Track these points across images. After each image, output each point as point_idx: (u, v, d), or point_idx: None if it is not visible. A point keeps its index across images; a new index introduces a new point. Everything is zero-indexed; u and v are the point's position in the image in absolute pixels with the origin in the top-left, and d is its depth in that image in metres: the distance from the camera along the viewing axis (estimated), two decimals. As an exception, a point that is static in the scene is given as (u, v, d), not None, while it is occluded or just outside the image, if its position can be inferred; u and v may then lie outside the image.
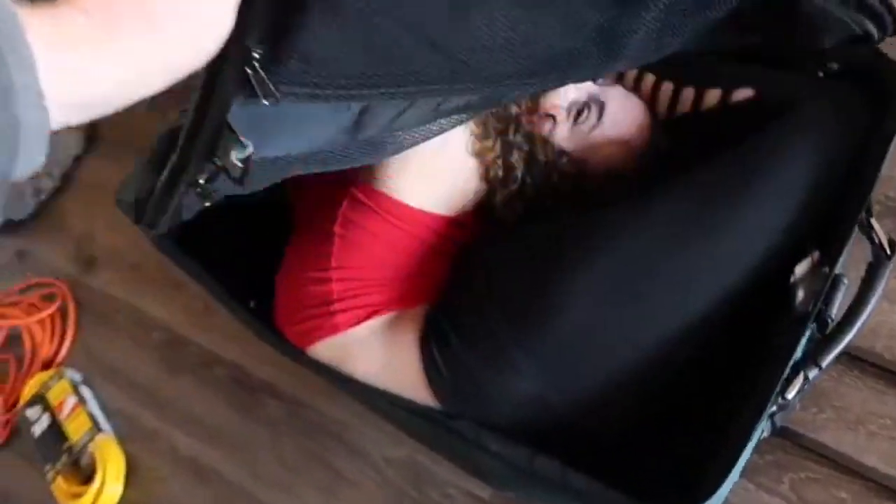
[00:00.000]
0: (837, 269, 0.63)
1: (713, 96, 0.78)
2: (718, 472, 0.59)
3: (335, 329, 0.76)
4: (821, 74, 0.75)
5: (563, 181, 0.79)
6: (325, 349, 0.77)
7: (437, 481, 0.99)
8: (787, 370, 0.61)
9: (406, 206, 0.76)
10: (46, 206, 1.56)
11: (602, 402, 0.70)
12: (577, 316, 0.67)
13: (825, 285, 0.62)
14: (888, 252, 0.65)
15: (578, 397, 0.69)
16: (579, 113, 0.79)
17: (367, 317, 0.76)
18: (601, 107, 0.79)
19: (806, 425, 0.83)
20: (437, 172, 0.77)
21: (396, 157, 0.68)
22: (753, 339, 0.67)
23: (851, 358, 0.85)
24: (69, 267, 1.46)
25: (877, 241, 0.65)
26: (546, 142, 0.78)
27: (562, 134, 0.79)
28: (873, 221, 0.66)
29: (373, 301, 0.77)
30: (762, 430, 0.64)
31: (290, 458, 1.10)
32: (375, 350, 0.75)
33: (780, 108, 0.72)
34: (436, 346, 0.72)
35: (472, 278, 0.75)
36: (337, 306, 0.76)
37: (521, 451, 0.69)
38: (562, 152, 0.79)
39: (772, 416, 0.66)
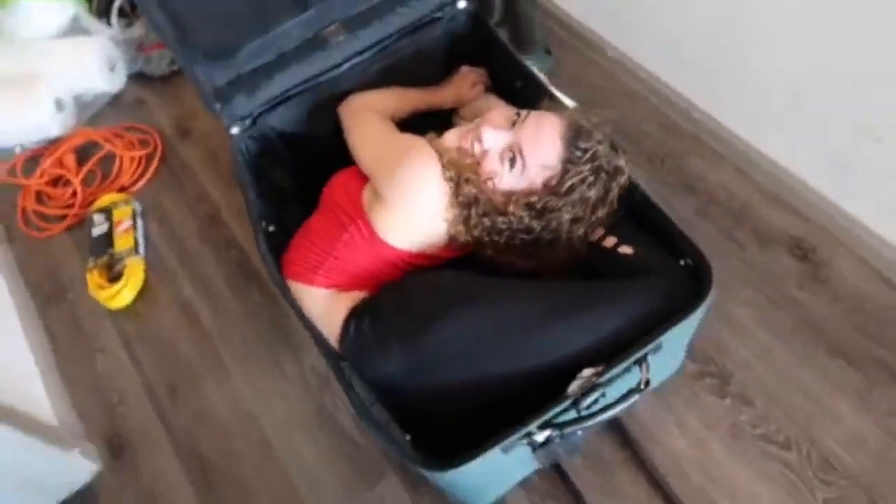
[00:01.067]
0: (603, 381, 0.98)
1: (610, 241, 1.12)
2: (475, 454, 0.95)
3: (311, 282, 1.13)
4: (682, 263, 1.09)
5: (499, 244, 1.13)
6: (296, 288, 1.14)
7: (335, 391, 1.38)
8: (541, 422, 0.96)
9: (392, 249, 1.11)
10: (175, 76, 1.98)
11: (441, 399, 1.05)
12: (445, 339, 1.01)
13: (589, 388, 0.97)
14: (643, 386, 0.99)
15: (426, 390, 1.05)
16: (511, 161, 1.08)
17: (331, 287, 1.13)
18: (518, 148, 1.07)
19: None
20: (418, 231, 1.12)
21: (393, 216, 1.08)
22: (543, 394, 1.02)
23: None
24: (170, 129, 1.89)
25: (643, 376, 1.00)
26: (496, 199, 1.10)
27: (504, 181, 1.09)
28: (650, 358, 1.00)
29: (340, 282, 1.13)
30: (515, 444, 0.98)
31: (251, 339, 1.49)
32: (322, 305, 1.12)
33: (639, 271, 1.06)
34: (354, 319, 1.08)
35: (400, 287, 1.10)
36: (320, 272, 1.12)
37: (368, 396, 1.06)
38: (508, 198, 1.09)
39: (532, 445, 1.00)
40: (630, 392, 1.01)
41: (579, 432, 1.02)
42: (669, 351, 1.12)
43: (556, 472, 1.24)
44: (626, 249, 1.12)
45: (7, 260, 1.72)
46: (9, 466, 1.24)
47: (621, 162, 1.09)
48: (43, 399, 1.43)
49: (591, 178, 1.07)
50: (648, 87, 1.67)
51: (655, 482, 1.21)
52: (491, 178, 1.09)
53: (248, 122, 1.29)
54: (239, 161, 1.31)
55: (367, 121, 1.24)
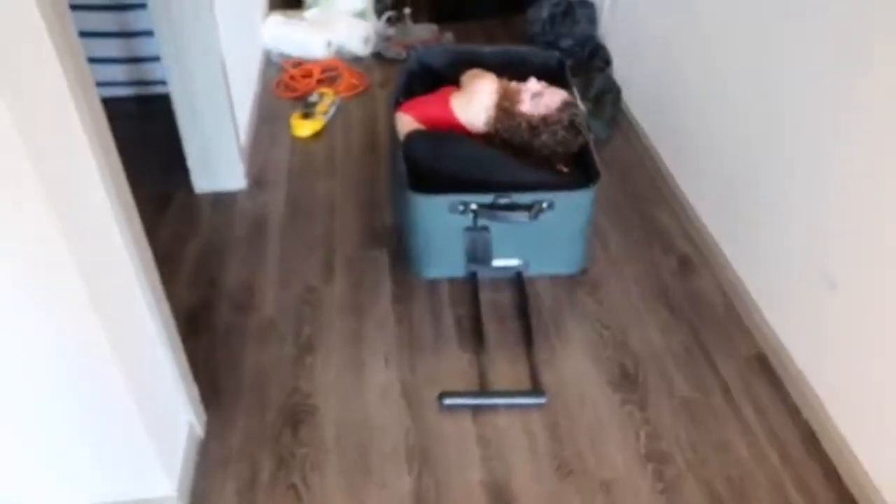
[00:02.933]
0: (513, 199, 1.83)
1: (562, 168, 2.00)
2: (436, 192, 1.83)
3: (405, 111, 2.13)
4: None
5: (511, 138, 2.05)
6: (398, 115, 2.14)
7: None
8: (474, 199, 1.83)
9: (452, 114, 2.08)
10: (396, 62, 3.17)
11: (437, 174, 1.93)
12: (450, 147, 1.94)
13: (505, 197, 1.83)
14: (534, 216, 1.83)
15: (434, 167, 1.94)
16: (533, 96, 2.04)
17: (412, 116, 2.11)
18: (541, 95, 2.03)
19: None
20: (471, 111, 2.08)
21: (464, 99, 2.06)
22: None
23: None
24: (376, 83, 3.06)
25: (535, 209, 1.83)
26: (516, 113, 2.03)
27: (525, 106, 2.05)
28: (545, 207, 1.84)
29: (416, 117, 2.11)
30: (458, 205, 1.84)
31: (356, 176, 2.48)
32: (405, 120, 2.10)
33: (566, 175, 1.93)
34: (416, 132, 2.04)
35: (440, 130, 2.06)
36: (411, 111, 2.12)
37: (402, 166, 1.97)
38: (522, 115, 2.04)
39: (466, 209, 1.86)
40: (525, 210, 1.85)
41: (494, 221, 1.87)
42: (563, 236, 1.95)
43: (470, 283, 2.03)
44: (564, 169, 2.00)
45: (264, 100, 2.91)
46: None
47: (583, 136, 2.01)
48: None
49: (566, 125, 1.98)
50: (667, 186, 2.54)
51: (524, 312, 1.96)
52: (519, 102, 2.04)
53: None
54: (403, 74, 2.39)
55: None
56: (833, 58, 1.52)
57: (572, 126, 1.99)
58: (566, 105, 2.00)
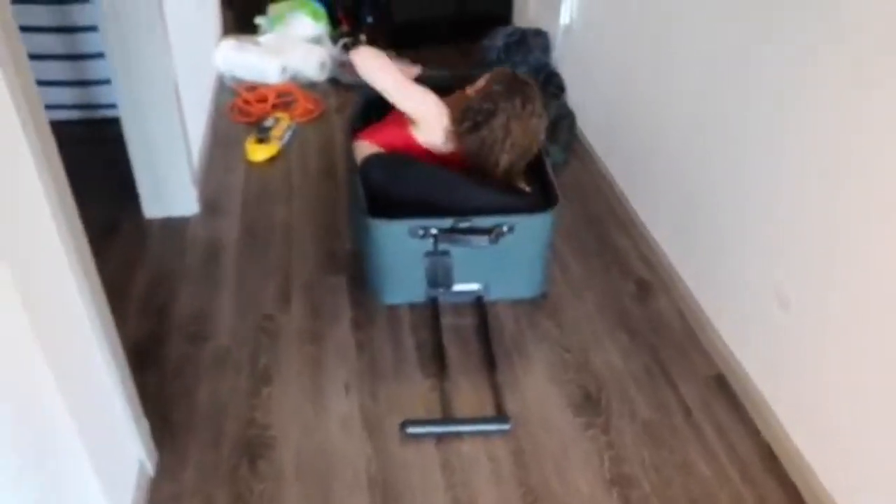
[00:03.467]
0: (470, 224, 1.82)
1: (524, 186, 2.01)
2: (395, 218, 1.81)
3: (362, 139, 2.11)
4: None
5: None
6: (356, 143, 2.12)
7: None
8: (434, 223, 1.82)
9: (413, 138, 2.08)
10: (350, 88, 3.17)
11: (393, 199, 1.92)
12: (407, 172, 1.94)
13: (463, 221, 1.82)
14: (493, 239, 1.82)
15: (390, 192, 1.92)
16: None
17: (366, 139, 2.09)
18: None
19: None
20: (430, 134, 2.08)
21: (421, 125, 2.06)
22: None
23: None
24: (331, 107, 3.04)
25: (496, 232, 1.83)
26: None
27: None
28: (505, 230, 1.84)
29: (374, 141, 2.10)
30: (417, 229, 1.83)
31: (312, 199, 2.45)
32: (363, 149, 2.08)
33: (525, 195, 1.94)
34: (373, 155, 2.02)
35: (399, 153, 2.05)
36: (367, 137, 2.11)
37: (360, 191, 1.95)
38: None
39: (426, 233, 1.85)
40: (485, 233, 1.84)
41: (454, 246, 1.85)
42: (523, 259, 1.95)
43: (431, 308, 2.01)
44: (527, 188, 2.01)
45: (218, 124, 2.85)
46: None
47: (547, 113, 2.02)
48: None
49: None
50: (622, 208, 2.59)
51: (486, 337, 1.95)
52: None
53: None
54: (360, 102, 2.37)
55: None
56: (787, 79, 1.57)
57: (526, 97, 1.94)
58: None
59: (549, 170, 2.04)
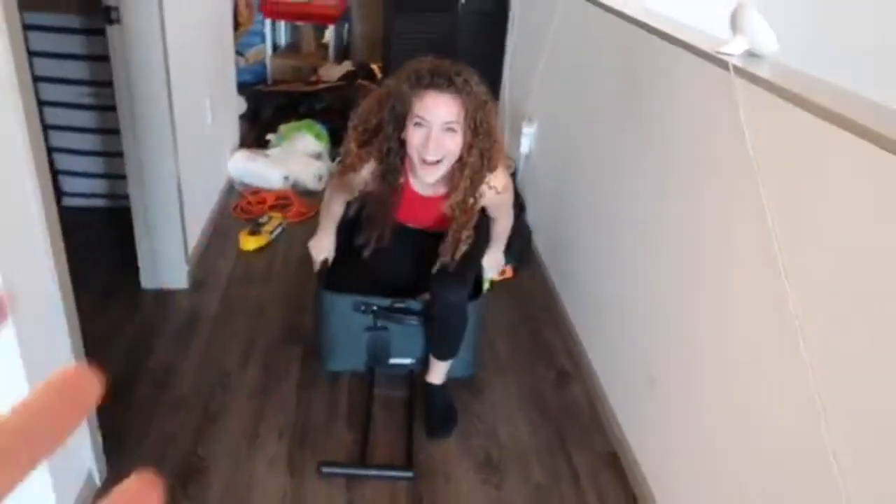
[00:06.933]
0: (406, 304, 2.15)
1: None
2: (344, 293, 2.15)
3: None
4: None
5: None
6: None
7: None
8: (375, 302, 2.15)
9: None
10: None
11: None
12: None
13: (400, 301, 2.15)
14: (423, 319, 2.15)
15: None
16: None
17: None
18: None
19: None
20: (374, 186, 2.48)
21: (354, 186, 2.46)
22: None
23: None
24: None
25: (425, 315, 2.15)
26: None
27: None
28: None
29: None
30: (361, 305, 2.16)
31: (292, 285, 2.82)
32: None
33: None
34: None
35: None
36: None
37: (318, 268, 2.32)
38: None
39: (367, 310, 2.17)
40: (417, 315, 2.17)
41: (392, 322, 2.18)
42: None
43: (368, 377, 2.30)
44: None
45: (221, 219, 3.31)
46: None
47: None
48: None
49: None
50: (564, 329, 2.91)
51: (410, 405, 2.21)
52: None
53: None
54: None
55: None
56: (651, 202, 1.94)
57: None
58: None
59: (479, 264, 2.40)
